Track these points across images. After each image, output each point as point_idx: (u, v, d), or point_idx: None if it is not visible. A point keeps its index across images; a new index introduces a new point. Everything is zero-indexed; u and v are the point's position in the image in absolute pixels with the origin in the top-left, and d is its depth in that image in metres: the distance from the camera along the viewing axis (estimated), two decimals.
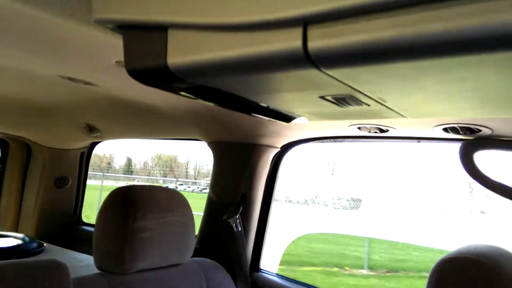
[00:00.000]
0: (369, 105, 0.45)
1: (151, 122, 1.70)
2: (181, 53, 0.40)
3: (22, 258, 1.70)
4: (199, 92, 0.48)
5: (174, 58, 0.41)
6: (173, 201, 1.30)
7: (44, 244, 1.94)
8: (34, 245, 1.84)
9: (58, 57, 1.03)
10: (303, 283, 1.53)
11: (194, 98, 0.50)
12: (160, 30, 0.40)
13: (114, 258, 1.15)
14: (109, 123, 1.82)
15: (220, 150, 1.55)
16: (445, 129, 1.02)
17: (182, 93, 0.48)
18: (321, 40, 0.32)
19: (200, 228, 1.66)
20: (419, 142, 1.16)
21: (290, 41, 0.33)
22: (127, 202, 1.18)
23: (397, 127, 1.10)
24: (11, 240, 1.89)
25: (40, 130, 1.99)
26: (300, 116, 0.57)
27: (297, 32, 0.33)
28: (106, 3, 0.45)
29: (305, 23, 0.32)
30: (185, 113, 1.46)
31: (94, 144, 2.28)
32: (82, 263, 1.71)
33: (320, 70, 0.35)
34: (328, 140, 1.37)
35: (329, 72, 0.36)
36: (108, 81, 1.23)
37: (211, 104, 0.54)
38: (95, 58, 1.01)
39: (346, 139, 1.31)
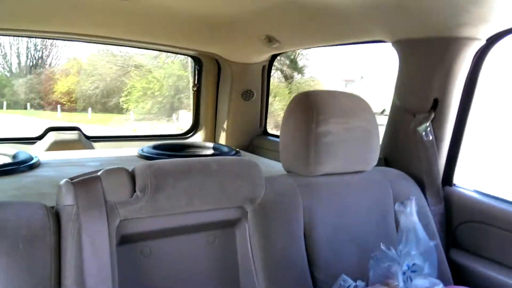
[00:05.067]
0: None
1: (329, 26, 1.61)
2: None
3: None
4: None
5: None
6: (356, 106, 1.24)
7: (240, 152, 2.16)
8: (232, 152, 2.07)
9: None
10: (508, 200, 1.32)
11: None
12: None
13: (300, 161, 1.18)
14: (287, 32, 1.80)
15: (408, 49, 1.37)
16: None
17: None
18: None
19: (384, 136, 1.57)
20: None
21: None
22: (309, 107, 1.16)
23: None
24: (211, 150, 2.17)
25: (225, 45, 2.13)
26: None
27: None
28: None
29: None
30: (366, 9, 1.31)
31: (273, 57, 2.33)
32: (274, 168, 1.84)
33: None
34: None
35: None
36: None
37: None
38: None
39: None
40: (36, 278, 0.74)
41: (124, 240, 0.90)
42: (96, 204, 0.82)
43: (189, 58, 2.57)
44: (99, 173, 0.88)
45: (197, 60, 2.47)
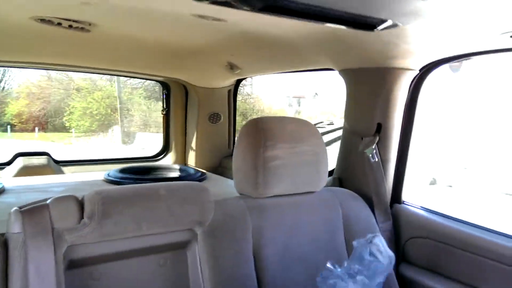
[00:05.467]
0: None
1: (283, 56, 1.71)
2: None
3: None
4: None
5: None
6: (304, 131, 1.32)
7: (206, 173, 2.22)
8: (198, 174, 2.13)
9: None
10: (452, 216, 1.41)
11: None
12: None
13: (250, 183, 1.25)
14: (247, 60, 1.89)
15: (352, 77, 1.47)
16: None
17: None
18: None
19: (338, 158, 1.66)
20: None
21: None
22: (258, 133, 1.24)
23: None
24: (178, 172, 2.22)
25: (190, 71, 2.21)
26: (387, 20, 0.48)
27: None
28: None
29: None
30: (314, 42, 1.41)
31: (238, 82, 2.42)
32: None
33: None
34: (475, 55, 1.16)
35: None
36: (233, 14, 1.26)
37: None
38: None
39: (499, 53, 1.08)
40: None
41: (73, 265, 0.94)
42: (43, 232, 0.86)
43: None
44: (48, 201, 0.93)
45: (165, 85, 2.54)
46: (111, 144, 7.96)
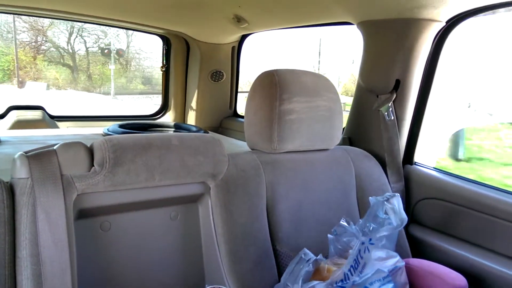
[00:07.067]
0: None
1: (296, 7, 1.61)
2: None
3: None
4: None
5: None
6: (320, 85, 1.26)
7: (209, 132, 2.15)
8: (201, 132, 2.06)
9: None
10: (463, 177, 1.37)
11: None
12: None
13: (263, 138, 1.19)
14: (255, 12, 1.79)
15: (372, 30, 1.39)
16: None
17: None
18: None
19: (349, 117, 1.60)
20: None
21: None
22: (273, 85, 1.17)
23: None
24: (180, 130, 2.16)
25: (193, 24, 2.09)
26: None
27: None
28: None
29: None
30: None
31: (243, 38, 2.32)
32: (241, 148, 1.84)
33: None
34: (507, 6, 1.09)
35: None
36: None
37: None
38: None
39: None
40: None
41: (83, 214, 0.89)
42: (52, 177, 0.80)
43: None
44: (55, 147, 0.86)
45: (165, 40, 2.42)
46: (12, 88, 12.92)
